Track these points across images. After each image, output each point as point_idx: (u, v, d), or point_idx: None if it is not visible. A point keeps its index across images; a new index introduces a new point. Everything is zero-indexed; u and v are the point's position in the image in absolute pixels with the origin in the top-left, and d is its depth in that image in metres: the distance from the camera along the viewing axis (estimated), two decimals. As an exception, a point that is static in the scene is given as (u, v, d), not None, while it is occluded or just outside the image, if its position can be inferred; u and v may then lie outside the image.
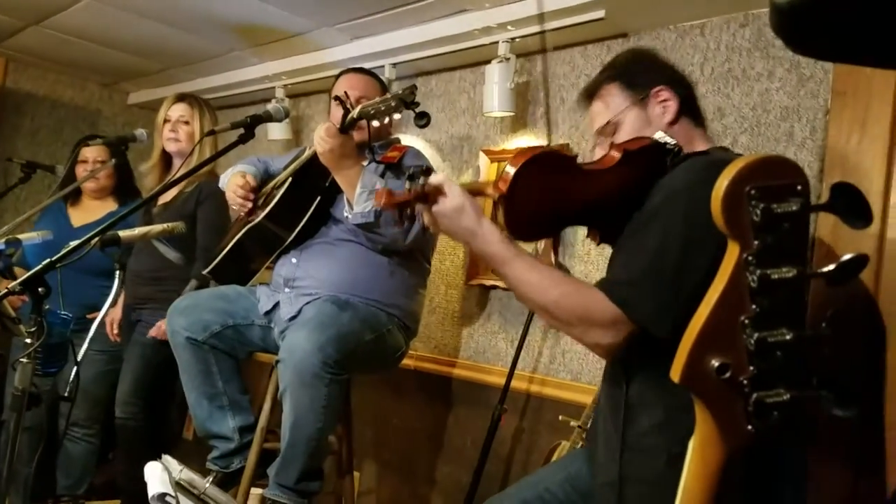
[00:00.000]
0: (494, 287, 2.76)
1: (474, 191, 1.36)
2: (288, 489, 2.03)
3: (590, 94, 1.58)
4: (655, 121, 1.47)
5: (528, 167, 1.29)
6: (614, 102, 1.51)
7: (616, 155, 1.39)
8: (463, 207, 1.30)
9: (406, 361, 2.84)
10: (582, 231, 2.50)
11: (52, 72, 4.21)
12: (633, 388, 1.34)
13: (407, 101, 1.94)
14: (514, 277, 1.32)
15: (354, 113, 2.08)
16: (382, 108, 1.99)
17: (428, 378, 2.95)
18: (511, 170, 1.30)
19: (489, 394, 2.66)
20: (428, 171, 1.24)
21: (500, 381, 2.50)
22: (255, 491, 2.23)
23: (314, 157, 2.19)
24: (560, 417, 2.35)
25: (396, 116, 1.99)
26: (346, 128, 2.11)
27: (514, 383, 2.49)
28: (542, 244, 2.57)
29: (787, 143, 2.12)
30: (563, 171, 1.37)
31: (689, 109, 1.50)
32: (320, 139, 2.10)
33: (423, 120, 1.96)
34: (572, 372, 2.53)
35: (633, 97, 1.49)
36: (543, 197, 1.34)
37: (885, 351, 1.62)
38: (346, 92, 2.21)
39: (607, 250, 1.50)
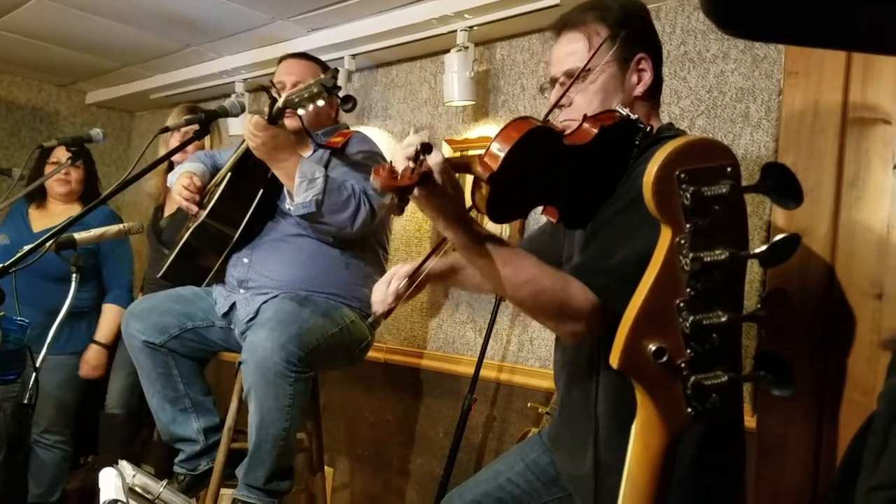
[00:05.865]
0: (461, 277, 2.76)
1: (460, 166, 1.22)
2: (257, 489, 2.02)
3: (571, 23, 1.37)
4: (627, 89, 1.35)
5: (521, 145, 1.18)
6: (598, 47, 1.33)
7: (592, 130, 1.27)
8: (454, 197, 1.15)
9: (375, 354, 2.84)
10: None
11: (7, 73, 4.11)
12: (604, 377, 1.30)
13: (328, 86, 1.91)
14: (488, 271, 1.21)
15: (280, 103, 2.05)
16: (305, 96, 1.96)
17: (398, 370, 2.95)
18: (503, 147, 1.18)
19: (459, 383, 2.66)
20: (428, 147, 1.10)
21: (470, 370, 2.50)
22: (226, 491, 2.21)
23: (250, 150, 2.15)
24: (528, 405, 2.36)
25: (320, 103, 1.96)
26: (273, 119, 2.07)
27: (484, 372, 2.50)
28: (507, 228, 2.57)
29: (743, 124, 2.14)
30: (549, 147, 1.24)
31: (657, 88, 1.41)
32: (250, 134, 2.03)
33: (348, 104, 1.95)
34: (541, 359, 2.53)
35: (617, 53, 1.33)
36: (530, 175, 1.22)
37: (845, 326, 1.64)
38: (272, 81, 2.18)
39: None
